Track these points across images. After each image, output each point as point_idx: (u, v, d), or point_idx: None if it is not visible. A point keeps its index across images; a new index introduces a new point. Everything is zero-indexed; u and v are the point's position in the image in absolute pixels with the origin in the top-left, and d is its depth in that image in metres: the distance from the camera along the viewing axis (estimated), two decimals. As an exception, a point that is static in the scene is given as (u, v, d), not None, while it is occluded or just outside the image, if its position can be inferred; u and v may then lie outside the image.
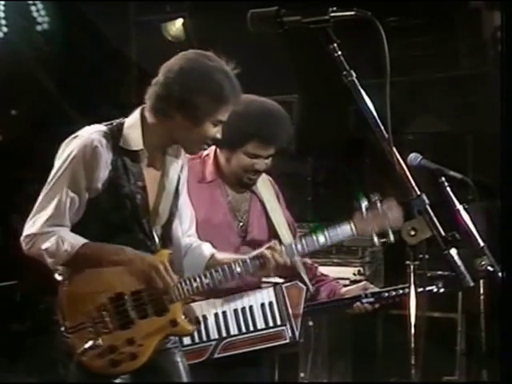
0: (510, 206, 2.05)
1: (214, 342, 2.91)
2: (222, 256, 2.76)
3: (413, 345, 2.06)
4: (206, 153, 3.15)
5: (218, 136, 2.56)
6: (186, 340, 2.89)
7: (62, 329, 2.49)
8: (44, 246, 2.44)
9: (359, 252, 4.61)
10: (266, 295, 2.98)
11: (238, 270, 2.65)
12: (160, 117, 2.51)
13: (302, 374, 4.55)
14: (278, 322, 2.94)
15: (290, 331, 2.93)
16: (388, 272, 4.76)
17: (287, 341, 2.93)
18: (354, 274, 4.57)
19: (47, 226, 2.45)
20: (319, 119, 5.38)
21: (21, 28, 5.58)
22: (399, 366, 4.62)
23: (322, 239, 2.81)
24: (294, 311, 2.95)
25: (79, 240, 2.48)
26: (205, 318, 2.94)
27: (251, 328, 2.93)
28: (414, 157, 3.09)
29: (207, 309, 2.95)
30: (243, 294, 2.98)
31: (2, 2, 5.47)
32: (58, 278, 2.55)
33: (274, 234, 3.10)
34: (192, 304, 2.92)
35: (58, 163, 2.50)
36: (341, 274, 4.38)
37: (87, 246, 2.48)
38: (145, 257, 2.51)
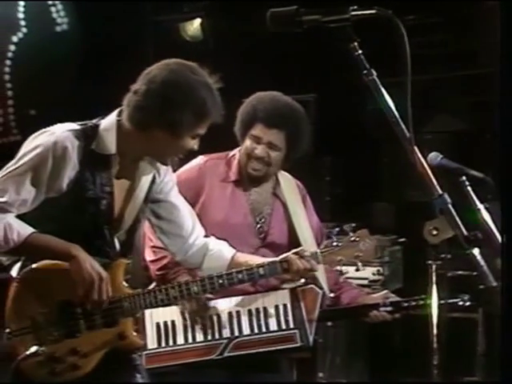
0: (511, 206, 2.02)
1: (225, 341, 2.91)
2: (244, 259, 2.73)
3: (435, 345, 2.03)
4: (232, 153, 3.15)
5: (195, 148, 2.50)
6: (199, 336, 2.90)
7: (7, 330, 2.42)
8: None
9: (378, 252, 4.57)
10: (281, 297, 2.95)
11: (195, 289, 2.57)
12: (137, 127, 2.43)
13: (320, 374, 4.54)
14: (291, 325, 2.92)
15: (302, 335, 2.91)
16: (407, 272, 4.75)
17: (298, 344, 2.91)
18: (373, 274, 4.54)
19: None
20: (337, 118, 5.36)
21: (40, 29, 5.61)
22: (417, 366, 4.61)
23: (284, 264, 2.69)
24: (309, 316, 2.93)
25: (27, 229, 2.40)
26: (218, 316, 2.94)
27: (263, 329, 2.92)
28: (434, 156, 3.06)
29: (221, 307, 2.94)
30: (258, 294, 2.97)
31: (22, 3, 5.50)
32: (13, 273, 2.48)
33: (294, 238, 3.07)
34: (207, 302, 2.93)
35: (22, 153, 2.42)
36: (359, 274, 4.35)
37: (35, 237, 2.40)
38: (95, 263, 2.43)
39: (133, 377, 2.56)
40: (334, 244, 2.75)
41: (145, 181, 2.58)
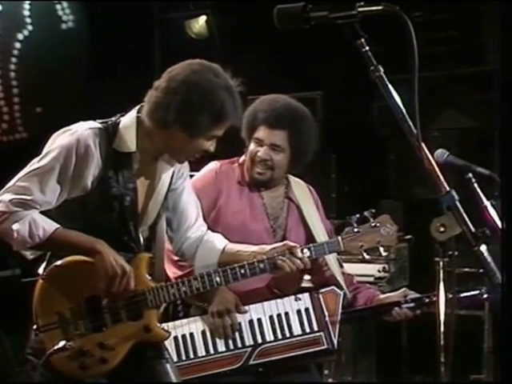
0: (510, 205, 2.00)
1: (248, 349, 2.89)
2: (235, 249, 2.72)
3: (442, 342, 2.02)
4: (242, 158, 3.14)
5: (211, 149, 2.53)
6: (220, 347, 2.89)
7: (35, 326, 2.45)
8: (15, 227, 2.37)
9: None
10: (302, 302, 2.95)
11: (218, 279, 2.59)
12: (156, 123, 2.46)
13: (326, 372, 4.53)
14: (315, 328, 2.91)
15: (327, 338, 2.90)
16: (413, 269, 4.73)
17: (324, 347, 2.90)
18: (379, 271, 4.53)
19: (20, 207, 2.38)
20: (343, 116, 5.35)
21: (46, 26, 5.62)
22: (424, 364, 4.60)
23: (306, 253, 2.73)
24: (332, 318, 2.92)
25: (52, 225, 2.43)
26: (239, 324, 2.92)
27: (287, 334, 2.90)
28: (441, 153, 3.05)
29: (242, 315, 2.93)
30: (278, 300, 2.96)
31: (28, 1, 5.51)
32: (40, 271, 2.51)
33: (311, 239, 3.06)
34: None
35: (45, 151, 2.44)
36: (365, 271, 4.35)
37: (60, 232, 2.43)
38: (119, 258, 2.46)
39: (162, 367, 2.59)
40: (355, 230, 2.76)
41: (166, 176, 2.61)
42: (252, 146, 3.04)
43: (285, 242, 2.70)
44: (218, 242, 2.78)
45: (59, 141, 2.44)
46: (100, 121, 2.52)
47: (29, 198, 2.39)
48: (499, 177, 2.30)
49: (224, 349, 2.90)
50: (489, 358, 4.17)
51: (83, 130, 2.44)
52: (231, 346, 2.90)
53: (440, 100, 5.28)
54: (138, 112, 2.51)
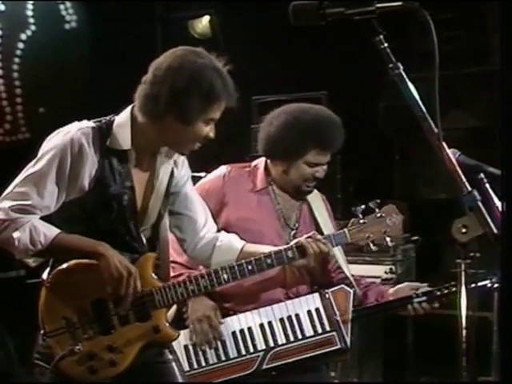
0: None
1: (261, 353, 2.85)
2: (252, 249, 2.70)
3: (464, 346, 1.99)
4: (254, 163, 3.12)
5: (211, 135, 2.45)
6: (232, 353, 2.85)
7: (42, 332, 2.43)
8: (16, 235, 2.34)
9: (391, 250, 4.53)
10: (312, 302, 2.91)
11: (225, 276, 2.56)
12: (149, 116, 2.41)
13: (332, 373, 4.51)
14: (327, 328, 2.88)
15: (340, 337, 2.86)
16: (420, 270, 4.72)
17: (338, 347, 2.86)
18: (386, 273, 4.51)
19: (20, 213, 2.35)
20: (348, 116, 5.33)
21: (49, 26, 5.60)
22: (430, 365, 4.58)
23: None
24: (343, 317, 2.89)
25: (53, 230, 2.39)
26: (250, 329, 2.88)
27: (299, 336, 2.87)
28: (452, 153, 3.02)
29: (252, 320, 2.89)
30: (288, 302, 2.92)
31: (31, 1, 5.49)
32: (44, 276, 2.48)
33: None
34: (236, 316, 2.90)
35: (40, 154, 2.41)
36: (372, 273, 4.33)
37: (61, 237, 2.39)
38: (123, 259, 2.42)
39: (169, 368, 2.56)
40: (361, 221, 2.74)
41: (164, 174, 2.57)
42: (306, 168, 2.98)
43: (296, 240, 2.70)
44: (236, 241, 2.75)
45: (53, 142, 2.41)
46: (94, 120, 2.48)
47: (28, 203, 2.36)
48: (500, 176, 2.27)
49: (236, 355, 2.85)
50: (497, 359, 4.14)
51: (76, 129, 2.41)
52: (243, 352, 2.86)
53: (448, 99, 5.25)
54: (132, 110, 2.48)
